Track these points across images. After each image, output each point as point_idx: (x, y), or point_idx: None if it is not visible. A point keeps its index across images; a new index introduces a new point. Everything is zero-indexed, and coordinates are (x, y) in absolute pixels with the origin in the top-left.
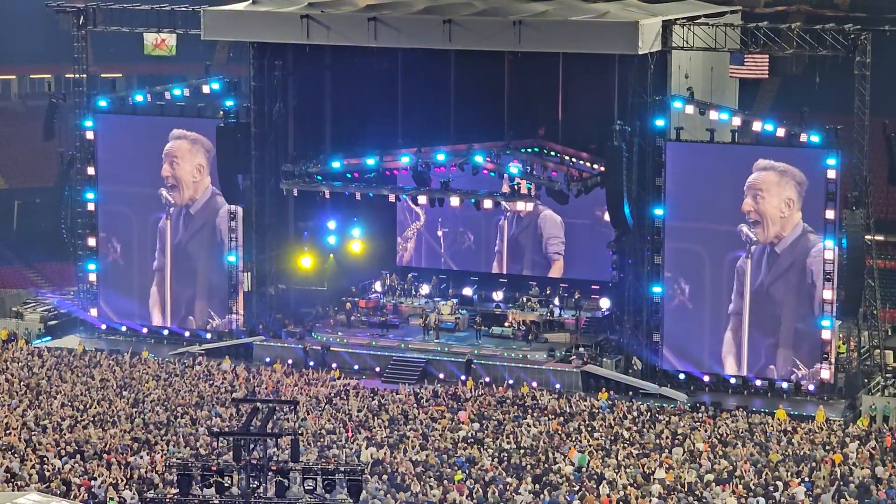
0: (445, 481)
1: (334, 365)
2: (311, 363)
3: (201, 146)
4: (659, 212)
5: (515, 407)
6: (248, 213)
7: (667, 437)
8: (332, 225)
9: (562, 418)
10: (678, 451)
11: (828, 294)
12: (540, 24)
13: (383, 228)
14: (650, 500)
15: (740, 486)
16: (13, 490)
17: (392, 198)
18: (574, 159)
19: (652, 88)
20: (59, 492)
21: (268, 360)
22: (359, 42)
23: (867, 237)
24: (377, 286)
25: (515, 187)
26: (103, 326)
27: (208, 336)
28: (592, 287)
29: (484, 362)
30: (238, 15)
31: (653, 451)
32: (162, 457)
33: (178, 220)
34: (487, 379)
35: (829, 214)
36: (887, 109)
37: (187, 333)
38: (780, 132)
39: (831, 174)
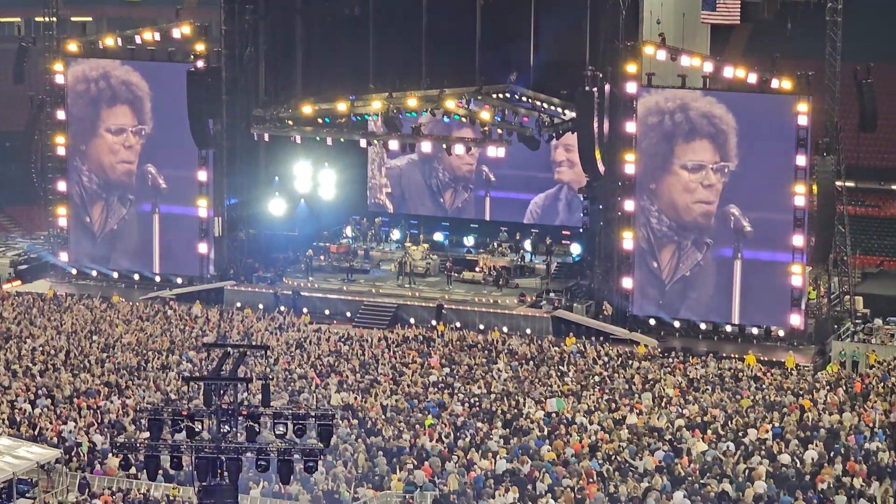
0: (416, 426)
1: (305, 310)
2: (282, 308)
3: None
4: (629, 157)
5: (486, 352)
6: (218, 157)
7: (637, 383)
8: (302, 170)
9: (532, 363)
10: (648, 397)
11: (798, 240)
12: None
13: (354, 173)
14: (620, 445)
15: (710, 432)
16: None
17: (363, 143)
18: (545, 105)
19: (623, 34)
20: (27, 436)
21: (238, 304)
22: None
23: (838, 183)
24: (348, 231)
25: (486, 132)
26: (74, 271)
27: (179, 281)
28: (563, 233)
29: (455, 307)
30: None
31: (623, 397)
32: (132, 401)
33: None
34: (458, 324)
35: (800, 161)
36: (859, 55)
37: (158, 278)
38: (752, 78)
39: (802, 120)
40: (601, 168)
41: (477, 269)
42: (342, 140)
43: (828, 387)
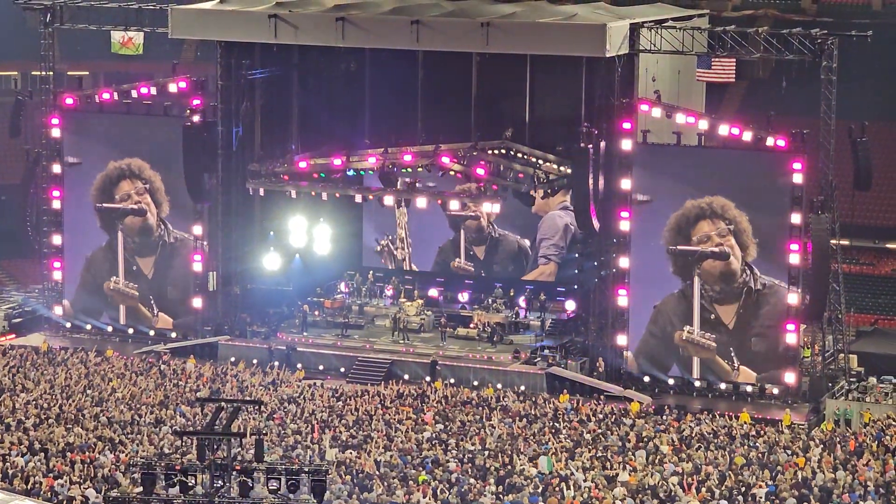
0: (409, 482)
1: (299, 365)
2: (277, 363)
3: None
4: (625, 215)
5: (480, 408)
6: (213, 212)
7: (631, 440)
8: (297, 225)
9: (526, 420)
10: (642, 454)
11: (793, 298)
12: (508, 26)
13: (349, 229)
14: (614, 503)
15: (704, 490)
16: None
17: (358, 198)
18: (541, 161)
19: (619, 91)
20: (20, 490)
21: (233, 359)
22: (326, 42)
23: (832, 241)
24: (342, 286)
25: (482, 188)
26: (68, 325)
27: (173, 335)
28: (558, 289)
29: (449, 363)
30: (206, 13)
31: (616, 454)
32: (126, 455)
33: None
34: (452, 380)
35: (795, 219)
36: (853, 114)
37: (152, 332)
38: (747, 136)
39: (797, 178)
40: (596, 225)
41: (471, 325)
42: (337, 195)
43: (822, 445)
